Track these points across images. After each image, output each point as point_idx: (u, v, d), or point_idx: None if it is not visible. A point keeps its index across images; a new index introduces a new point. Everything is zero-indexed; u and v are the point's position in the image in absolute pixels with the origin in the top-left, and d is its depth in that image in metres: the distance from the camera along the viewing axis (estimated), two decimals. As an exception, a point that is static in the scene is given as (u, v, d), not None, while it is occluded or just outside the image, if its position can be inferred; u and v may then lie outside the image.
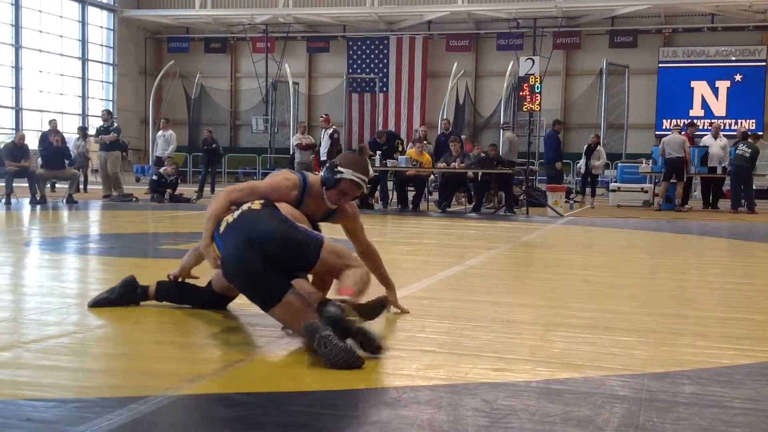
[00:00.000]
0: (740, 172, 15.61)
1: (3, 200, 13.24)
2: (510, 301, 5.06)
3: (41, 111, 31.69)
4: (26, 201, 13.64)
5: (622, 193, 17.81)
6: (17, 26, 31.85)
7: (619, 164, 21.27)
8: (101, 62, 35.92)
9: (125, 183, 16.97)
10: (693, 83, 28.20)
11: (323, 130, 17.44)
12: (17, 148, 14.03)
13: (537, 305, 4.94)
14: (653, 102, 29.06)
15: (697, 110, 28.08)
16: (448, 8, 31.32)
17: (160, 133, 18.16)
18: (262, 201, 4.02)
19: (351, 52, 33.56)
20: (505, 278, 6.47)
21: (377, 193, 15.60)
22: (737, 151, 15.77)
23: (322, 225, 4.50)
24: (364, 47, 33.59)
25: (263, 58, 32.51)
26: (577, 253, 8.61)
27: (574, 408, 2.79)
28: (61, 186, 16.13)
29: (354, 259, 3.96)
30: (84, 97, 35.17)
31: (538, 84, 14.69)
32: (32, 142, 17.77)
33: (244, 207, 3.97)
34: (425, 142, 16.08)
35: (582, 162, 17.85)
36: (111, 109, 31.32)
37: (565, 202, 15.89)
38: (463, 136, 17.80)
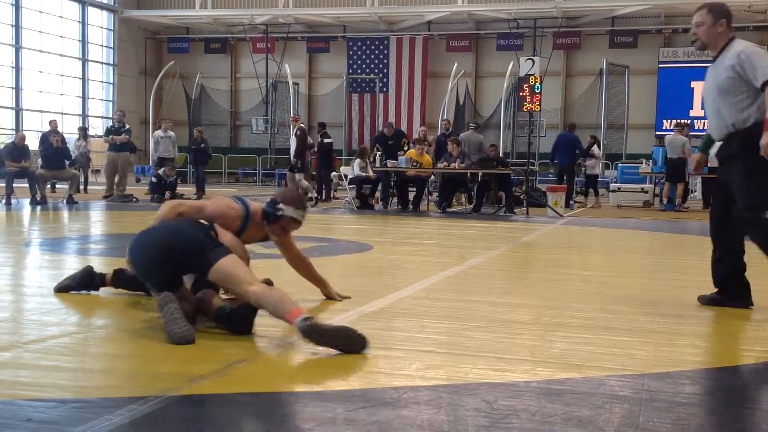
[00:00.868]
0: None
1: (3, 201, 13.24)
2: (510, 302, 5.06)
3: (41, 111, 31.70)
4: (26, 201, 13.64)
5: (622, 194, 17.82)
6: (17, 27, 31.86)
7: (619, 164, 21.28)
8: (101, 63, 35.92)
9: (126, 184, 16.96)
10: (693, 83, 28.19)
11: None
12: (17, 149, 14.04)
13: (537, 305, 4.94)
14: (653, 102, 29.07)
15: (697, 110, 28.07)
16: (448, 8, 31.32)
17: (159, 133, 18.07)
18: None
19: (351, 53, 33.55)
20: (505, 278, 6.47)
21: (377, 194, 15.60)
22: None
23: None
24: (364, 47, 33.60)
25: (263, 58, 32.51)
26: (577, 253, 8.61)
27: (574, 408, 2.80)
28: (62, 186, 16.14)
29: (253, 281, 3.90)
30: (84, 98, 35.16)
31: (538, 84, 14.70)
32: (32, 143, 17.77)
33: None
34: (426, 143, 16.09)
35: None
36: (110, 110, 31.38)
37: (572, 202, 15.92)
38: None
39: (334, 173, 17.80)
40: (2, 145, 17.85)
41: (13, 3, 31.70)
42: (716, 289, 4.90)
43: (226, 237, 4.24)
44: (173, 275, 4.05)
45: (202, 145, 18.67)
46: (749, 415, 2.81)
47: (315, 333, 3.48)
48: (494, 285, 5.92)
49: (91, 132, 22.75)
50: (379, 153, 15.96)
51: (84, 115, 35.09)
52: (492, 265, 7.15)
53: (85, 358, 3.41)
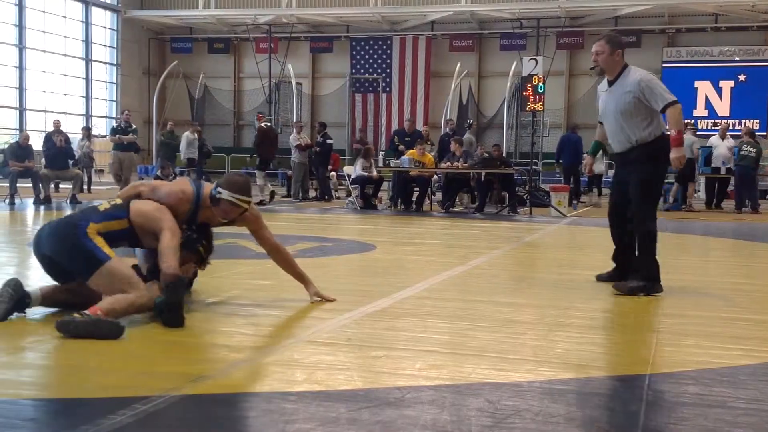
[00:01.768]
0: (745, 172, 15.59)
1: (7, 200, 13.26)
2: (513, 302, 5.05)
3: (45, 111, 31.74)
4: (30, 201, 13.66)
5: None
6: (21, 27, 31.89)
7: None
8: (104, 63, 35.95)
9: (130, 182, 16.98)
10: (697, 83, 28.17)
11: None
12: (21, 149, 14.05)
13: (540, 305, 4.93)
14: (657, 102, 29.02)
15: (701, 110, 28.05)
16: (451, 8, 31.31)
17: (188, 135, 18.31)
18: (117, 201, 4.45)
19: (354, 53, 33.56)
20: (508, 278, 6.46)
21: (380, 194, 15.60)
22: (741, 152, 15.75)
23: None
24: (367, 47, 33.61)
25: (266, 58, 32.50)
26: (581, 253, 8.60)
27: (577, 408, 2.79)
28: (65, 186, 16.15)
29: (132, 287, 3.99)
30: (87, 98, 35.19)
31: (541, 84, 14.68)
32: (36, 143, 17.78)
33: (105, 202, 4.45)
34: (428, 142, 16.08)
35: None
36: (114, 110, 31.43)
37: (575, 202, 15.90)
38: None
39: (332, 173, 17.81)
40: (6, 145, 17.88)
41: (17, 3, 31.73)
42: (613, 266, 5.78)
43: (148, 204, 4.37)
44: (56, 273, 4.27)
45: (202, 145, 18.77)
46: (753, 416, 2.80)
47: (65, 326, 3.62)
48: (497, 285, 5.92)
49: (94, 132, 22.75)
50: (401, 147, 15.97)
51: (87, 115, 35.12)
52: (495, 265, 7.15)
53: (87, 358, 3.41)
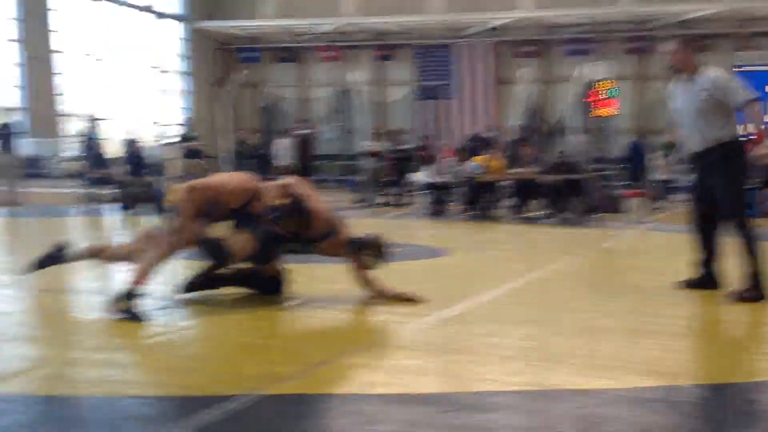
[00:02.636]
0: None
1: (86, 206, 13.66)
2: (592, 308, 4.97)
3: (118, 120, 32.61)
4: (108, 207, 14.04)
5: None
6: (94, 38, 32.83)
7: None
8: (176, 72, 36.79)
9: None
10: (769, 88, 27.37)
11: None
12: (98, 157, 14.49)
13: (621, 312, 4.85)
14: (729, 106, 28.33)
15: (775, 114, 27.26)
16: (515, 14, 31.13)
17: (279, 140, 18.67)
18: None
19: (418, 60, 33.61)
20: (586, 284, 6.36)
21: (451, 200, 15.56)
22: None
23: None
24: (430, 55, 33.62)
25: (331, 66, 32.81)
26: (659, 259, 8.40)
27: (664, 417, 2.74)
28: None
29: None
30: (158, 107, 36.05)
31: (609, 89, 14.46)
32: (113, 151, 18.26)
33: None
34: (498, 148, 16.00)
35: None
36: (186, 118, 32.05)
37: (654, 209, 15.59)
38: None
39: (404, 180, 17.84)
40: (85, 153, 18.38)
41: (90, 15, 32.66)
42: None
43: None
44: None
45: (261, 151, 19.06)
46: None
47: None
48: (575, 291, 5.83)
49: (165, 140, 23.23)
50: (458, 158, 15.89)
51: (158, 124, 35.96)
52: (572, 270, 7.04)
53: (174, 358, 3.49)
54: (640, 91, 31.35)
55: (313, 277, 5.90)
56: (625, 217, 13.58)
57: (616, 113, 14.73)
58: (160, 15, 35.14)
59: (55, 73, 30.76)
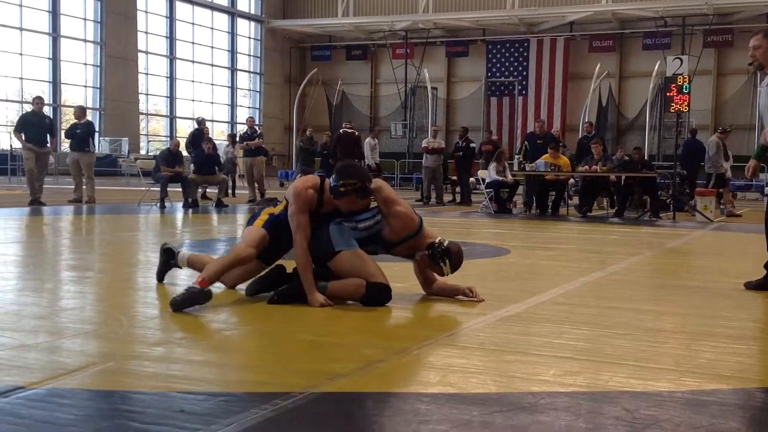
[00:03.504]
0: None
1: (158, 204, 14.00)
2: (653, 309, 4.89)
3: (193, 119, 33.31)
4: (179, 205, 14.37)
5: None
6: (171, 38, 33.59)
7: (776, 167, 20.12)
8: (248, 71, 37.33)
9: (269, 188, 17.57)
10: None
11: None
12: (172, 155, 14.78)
13: (682, 314, 4.76)
14: (814, 101, 27.32)
15: None
16: (591, 8, 30.63)
17: (370, 140, 18.85)
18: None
19: (490, 56, 33.38)
20: (649, 285, 6.26)
21: (515, 198, 15.46)
22: None
23: None
24: (503, 50, 33.35)
25: (403, 64, 32.86)
26: (727, 260, 8.20)
27: (721, 420, 2.68)
28: (212, 190, 16.89)
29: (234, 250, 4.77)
30: (232, 105, 36.66)
31: (686, 84, 14.12)
32: (185, 149, 18.68)
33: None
34: (561, 144, 15.82)
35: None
36: (257, 117, 32.63)
37: (723, 207, 15.20)
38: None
39: (472, 178, 17.78)
40: (158, 152, 18.87)
41: (167, 15, 33.43)
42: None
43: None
44: None
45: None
46: None
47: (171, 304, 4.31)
48: (637, 292, 5.74)
49: (238, 138, 23.70)
50: (518, 156, 15.76)
51: (232, 122, 36.54)
52: (635, 271, 6.93)
53: (231, 354, 3.57)
54: (721, 86, 30.52)
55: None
56: (698, 217, 13.26)
57: (686, 109, 14.34)
58: (235, 15, 35.73)
59: (131, 74, 31.65)
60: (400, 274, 5.35)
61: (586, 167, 14.22)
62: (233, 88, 36.50)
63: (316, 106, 34.32)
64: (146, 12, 32.37)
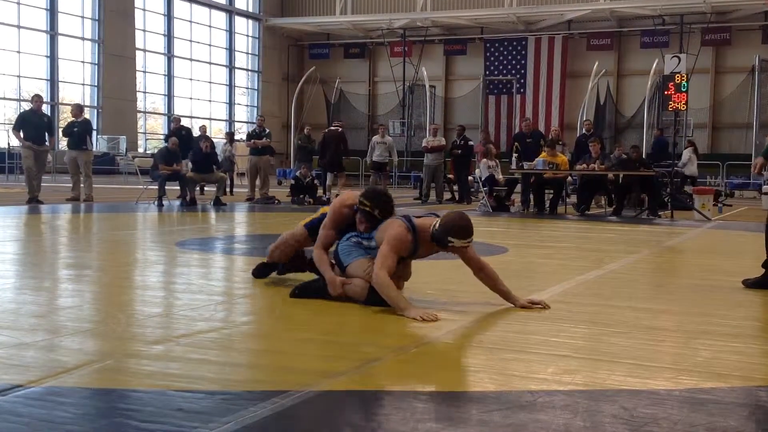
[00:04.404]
0: None
1: (156, 202, 13.99)
2: (651, 308, 4.90)
3: (191, 117, 33.25)
4: (177, 203, 14.35)
5: (777, 196, 16.85)
6: (169, 36, 33.54)
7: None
8: (246, 69, 37.30)
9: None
10: None
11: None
12: (170, 153, 14.76)
13: (680, 312, 4.76)
14: (811, 99, 27.36)
15: None
16: (589, 6, 30.64)
17: (376, 138, 18.76)
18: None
19: (488, 54, 33.37)
20: (647, 284, 6.27)
21: (513, 196, 15.46)
22: None
23: None
24: (501, 48, 33.35)
25: (401, 62, 32.85)
26: (725, 258, 8.21)
27: (719, 419, 2.69)
28: (210, 189, 16.88)
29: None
30: (230, 104, 36.63)
31: (684, 82, 14.12)
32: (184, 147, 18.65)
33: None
34: (560, 143, 15.82)
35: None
36: (255, 115, 32.60)
37: (714, 205, 15.20)
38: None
39: (470, 177, 17.78)
40: (156, 150, 18.86)
41: (165, 13, 33.37)
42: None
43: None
44: None
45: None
46: None
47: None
48: (635, 290, 5.75)
49: (236, 137, 23.72)
50: (515, 155, 15.77)
51: (230, 120, 36.51)
52: (633, 269, 6.94)
53: (230, 353, 3.57)
54: (718, 84, 30.53)
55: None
56: (695, 215, 13.28)
57: (684, 108, 14.36)
58: (233, 13, 35.70)
59: (129, 72, 31.61)
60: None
61: (584, 165, 14.23)
62: (231, 86, 36.45)
63: (314, 104, 34.29)
64: (144, 10, 32.34)
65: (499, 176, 15.25)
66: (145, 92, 33.13)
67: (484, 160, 15.39)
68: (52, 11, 29.88)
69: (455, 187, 18.21)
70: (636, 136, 27.83)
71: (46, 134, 14.48)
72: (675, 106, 14.25)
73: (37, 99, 14.88)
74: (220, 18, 35.67)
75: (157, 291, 5.37)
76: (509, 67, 32.79)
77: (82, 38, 30.98)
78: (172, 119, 19.89)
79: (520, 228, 11.64)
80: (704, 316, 4.58)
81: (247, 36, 36.97)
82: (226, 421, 2.52)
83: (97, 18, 30.98)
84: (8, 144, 24.95)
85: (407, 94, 31.43)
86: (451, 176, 18.37)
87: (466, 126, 19.32)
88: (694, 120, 27.35)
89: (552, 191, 14.50)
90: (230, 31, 35.92)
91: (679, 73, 14.11)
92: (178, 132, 17.58)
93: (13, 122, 15.85)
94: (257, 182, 16.73)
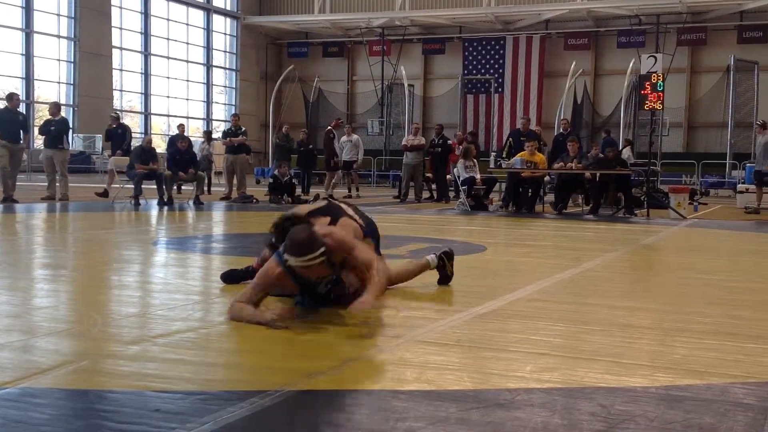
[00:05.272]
0: None
1: (132, 201, 13.89)
2: (628, 305, 4.93)
3: (168, 116, 33.07)
4: (154, 202, 14.27)
5: (751, 195, 17.02)
6: (146, 34, 33.31)
7: (748, 165, 20.35)
8: (224, 68, 37.13)
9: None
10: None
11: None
12: (146, 152, 14.66)
13: (657, 309, 4.80)
14: (785, 99, 27.68)
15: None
16: (566, 6, 30.80)
17: (344, 138, 18.77)
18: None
19: (467, 53, 33.46)
20: (624, 282, 6.31)
21: (491, 195, 15.50)
22: None
23: None
24: (479, 48, 33.45)
25: (379, 61, 32.83)
26: (701, 256, 8.29)
27: (695, 415, 2.71)
28: (187, 188, 16.78)
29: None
30: (208, 102, 36.43)
31: (660, 82, 14.23)
32: (160, 145, 18.57)
33: None
34: (541, 142, 15.89)
35: None
36: (234, 113, 32.46)
37: (689, 203, 15.34)
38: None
39: (448, 176, 17.82)
40: (132, 148, 18.71)
41: (142, 11, 33.14)
42: None
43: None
44: None
45: (310, 146, 19.29)
46: None
47: None
48: (612, 288, 5.79)
49: (214, 135, 23.59)
50: (501, 156, 15.82)
51: (208, 119, 36.33)
52: (610, 267, 6.99)
53: (208, 352, 3.55)
54: (694, 84, 30.80)
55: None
56: (671, 214, 13.39)
57: (660, 107, 14.48)
58: (210, 11, 35.52)
59: (106, 70, 31.36)
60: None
61: (562, 164, 14.30)
62: (209, 85, 36.27)
63: (292, 103, 34.21)
64: (120, 8, 32.09)
65: (478, 176, 15.30)
66: (121, 90, 32.89)
67: (462, 160, 15.42)
68: (28, 9, 29.57)
69: (434, 186, 18.24)
70: (613, 135, 28.04)
71: (21, 132, 14.33)
72: (651, 106, 14.36)
73: (14, 97, 14.72)
74: (197, 16, 35.47)
75: (133, 291, 5.33)
76: (487, 66, 32.89)
77: (58, 36, 30.70)
78: (111, 114, 19.60)
79: (498, 227, 11.67)
80: (680, 314, 4.61)
81: (225, 34, 36.80)
82: (204, 422, 2.51)
83: (73, 16, 30.70)
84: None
85: (386, 93, 31.42)
86: (429, 175, 18.39)
87: (444, 125, 19.34)
88: (670, 119, 27.56)
89: (530, 190, 14.56)
90: (208, 29, 35.74)
91: (655, 72, 14.22)
92: (114, 131, 17.46)
93: (-12, 121, 15.65)
94: (234, 181, 16.67)
